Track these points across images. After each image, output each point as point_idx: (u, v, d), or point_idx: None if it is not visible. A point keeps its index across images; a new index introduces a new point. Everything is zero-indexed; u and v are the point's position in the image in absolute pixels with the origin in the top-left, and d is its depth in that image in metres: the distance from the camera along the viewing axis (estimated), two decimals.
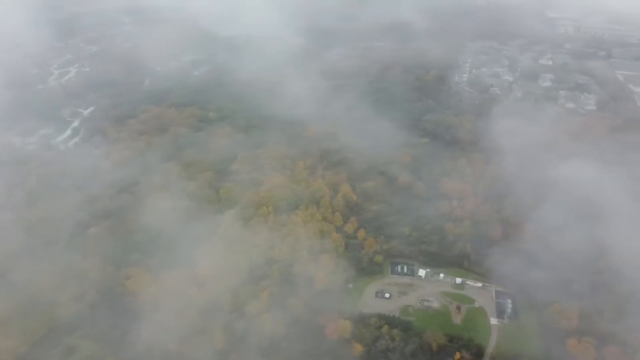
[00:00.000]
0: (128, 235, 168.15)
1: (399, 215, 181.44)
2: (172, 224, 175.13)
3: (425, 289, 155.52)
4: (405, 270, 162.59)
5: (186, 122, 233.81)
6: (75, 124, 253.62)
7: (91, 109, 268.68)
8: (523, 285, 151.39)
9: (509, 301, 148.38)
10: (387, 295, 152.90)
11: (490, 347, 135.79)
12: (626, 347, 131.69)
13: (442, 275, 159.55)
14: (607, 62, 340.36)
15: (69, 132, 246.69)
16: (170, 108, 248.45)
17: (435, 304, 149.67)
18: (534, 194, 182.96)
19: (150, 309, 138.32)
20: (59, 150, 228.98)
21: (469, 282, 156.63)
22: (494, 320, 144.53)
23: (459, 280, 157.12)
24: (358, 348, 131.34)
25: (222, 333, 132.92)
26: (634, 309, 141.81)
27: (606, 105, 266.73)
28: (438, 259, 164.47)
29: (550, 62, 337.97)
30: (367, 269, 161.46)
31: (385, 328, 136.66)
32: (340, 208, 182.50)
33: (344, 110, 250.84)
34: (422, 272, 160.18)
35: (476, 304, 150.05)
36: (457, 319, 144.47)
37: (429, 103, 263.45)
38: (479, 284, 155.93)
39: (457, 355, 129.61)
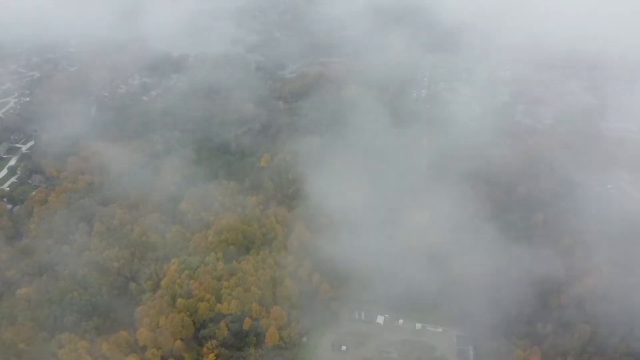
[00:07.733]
0: (63, 295, 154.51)
1: (356, 253, 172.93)
2: (112, 278, 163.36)
3: (384, 338, 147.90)
4: (362, 316, 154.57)
5: (131, 157, 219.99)
6: (12, 162, 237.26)
7: (31, 143, 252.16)
8: (484, 328, 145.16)
9: (471, 348, 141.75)
10: (343, 347, 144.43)
11: None
12: None
13: (401, 321, 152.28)
14: (562, 72, 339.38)
15: (5, 171, 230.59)
16: (114, 141, 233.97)
17: (395, 355, 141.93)
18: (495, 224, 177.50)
19: None
20: None
21: (429, 328, 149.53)
22: None
23: (418, 325, 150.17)
24: None
25: None
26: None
27: (564, 119, 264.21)
28: (397, 302, 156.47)
29: (508, 73, 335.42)
30: (322, 318, 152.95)
31: None
32: (294, 249, 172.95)
33: (301, 137, 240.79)
34: (380, 319, 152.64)
35: (437, 352, 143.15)
36: None
37: (388, 124, 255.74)
38: (440, 329, 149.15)
39: None
